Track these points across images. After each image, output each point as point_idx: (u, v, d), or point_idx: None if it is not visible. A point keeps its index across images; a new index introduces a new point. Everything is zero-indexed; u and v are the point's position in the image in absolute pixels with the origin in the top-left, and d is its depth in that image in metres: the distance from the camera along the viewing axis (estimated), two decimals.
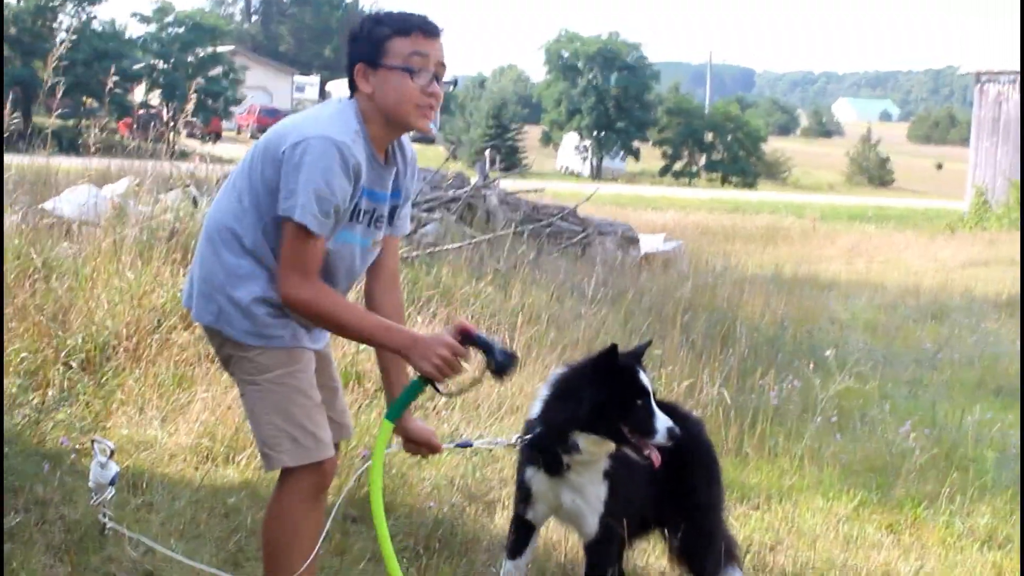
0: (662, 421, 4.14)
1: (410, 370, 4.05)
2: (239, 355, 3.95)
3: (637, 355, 4.35)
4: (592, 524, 4.39)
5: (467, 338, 3.84)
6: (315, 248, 3.75)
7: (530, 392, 7.52)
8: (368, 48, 3.84)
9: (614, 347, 4.20)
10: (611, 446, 4.24)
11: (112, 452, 5.03)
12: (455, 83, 4.20)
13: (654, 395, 4.24)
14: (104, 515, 4.94)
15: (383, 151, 3.95)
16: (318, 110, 3.99)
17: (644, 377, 4.22)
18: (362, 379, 7.44)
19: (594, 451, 4.22)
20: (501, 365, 3.82)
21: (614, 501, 4.41)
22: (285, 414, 3.89)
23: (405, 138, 4.12)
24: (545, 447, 4.25)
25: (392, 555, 3.93)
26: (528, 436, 4.30)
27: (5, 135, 12.72)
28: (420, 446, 4.30)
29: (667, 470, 4.35)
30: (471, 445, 4.73)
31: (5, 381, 6.65)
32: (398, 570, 3.93)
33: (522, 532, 4.54)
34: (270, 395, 3.92)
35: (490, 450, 6.60)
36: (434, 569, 5.10)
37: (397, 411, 3.93)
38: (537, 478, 4.35)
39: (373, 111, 3.86)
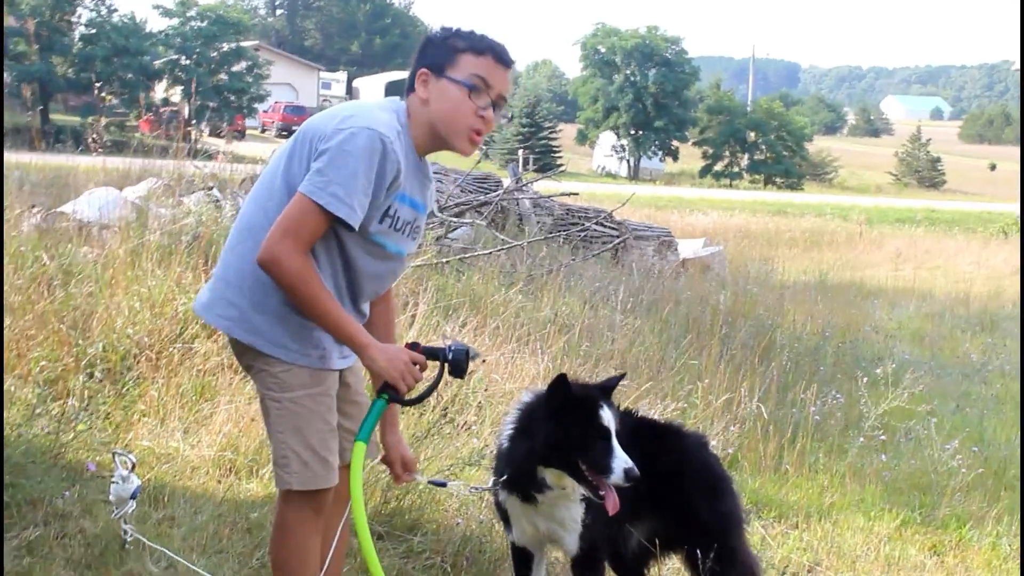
0: (620, 461, 4.06)
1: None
2: (261, 367, 3.94)
3: (606, 388, 4.31)
4: (572, 544, 4.40)
5: (416, 349, 3.96)
6: (320, 227, 3.72)
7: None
8: (439, 55, 3.84)
9: (562, 377, 4.17)
10: None
11: (133, 465, 5.12)
12: (510, 118, 4.15)
13: (616, 432, 4.15)
14: (125, 529, 5.04)
15: (422, 157, 3.97)
16: (367, 103, 3.95)
17: (605, 413, 4.15)
18: None
19: (563, 484, 4.20)
20: (455, 363, 3.93)
21: (593, 519, 4.40)
22: (299, 436, 3.91)
23: None
24: (517, 482, 4.26)
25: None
26: (500, 480, 4.30)
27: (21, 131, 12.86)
28: (394, 469, 4.34)
29: (665, 490, 4.41)
30: (445, 485, 4.72)
31: (25, 391, 6.75)
32: None
33: (520, 557, 4.56)
34: (288, 414, 3.93)
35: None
36: None
37: (366, 432, 3.93)
38: (511, 503, 4.37)
39: (422, 118, 3.87)
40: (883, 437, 8.36)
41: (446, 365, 3.97)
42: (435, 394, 4.15)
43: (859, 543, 6.47)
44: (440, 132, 3.86)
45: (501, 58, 3.86)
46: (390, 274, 4.09)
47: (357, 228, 3.74)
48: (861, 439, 8.21)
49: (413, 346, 3.98)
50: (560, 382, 4.13)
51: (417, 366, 3.91)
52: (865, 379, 9.67)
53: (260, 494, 5.93)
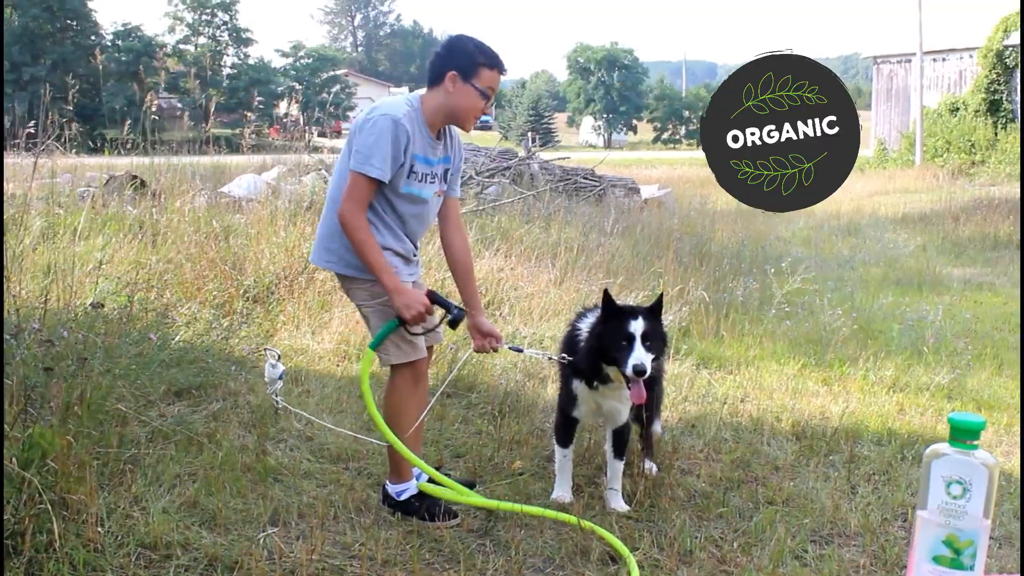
0: (632, 358, 3.78)
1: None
2: (356, 286, 3.92)
3: (654, 309, 4.00)
4: (625, 416, 4.20)
5: (432, 298, 3.88)
6: (369, 189, 3.72)
7: (568, 302, 7.52)
8: (466, 65, 3.80)
9: (605, 291, 3.96)
10: None
11: (279, 357, 5.10)
12: (492, 106, 4.10)
13: (643, 337, 3.83)
14: (276, 400, 5.03)
15: (435, 130, 3.89)
16: (388, 99, 3.95)
17: (635, 323, 3.83)
18: None
19: (619, 378, 3.95)
20: (454, 319, 3.87)
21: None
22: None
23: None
24: (584, 373, 4.07)
25: (383, 424, 3.89)
26: (568, 359, 4.10)
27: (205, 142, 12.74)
28: (485, 338, 4.18)
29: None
30: (521, 351, 4.59)
31: (204, 312, 6.73)
32: (386, 429, 3.89)
33: (569, 426, 4.30)
34: (379, 313, 3.89)
35: (539, 344, 6.61)
36: (507, 425, 5.13)
37: (376, 343, 3.87)
38: (581, 389, 4.16)
39: (439, 103, 3.83)
40: (787, 309, 8.27)
41: (447, 319, 3.89)
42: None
43: (774, 381, 6.40)
44: (455, 116, 3.86)
45: (502, 70, 3.90)
46: (426, 213, 3.98)
47: (388, 181, 3.73)
48: (772, 311, 8.11)
49: (432, 294, 3.89)
50: (606, 295, 3.94)
51: (427, 311, 3.83)
52: (772, 271, 9.59)
53: None
